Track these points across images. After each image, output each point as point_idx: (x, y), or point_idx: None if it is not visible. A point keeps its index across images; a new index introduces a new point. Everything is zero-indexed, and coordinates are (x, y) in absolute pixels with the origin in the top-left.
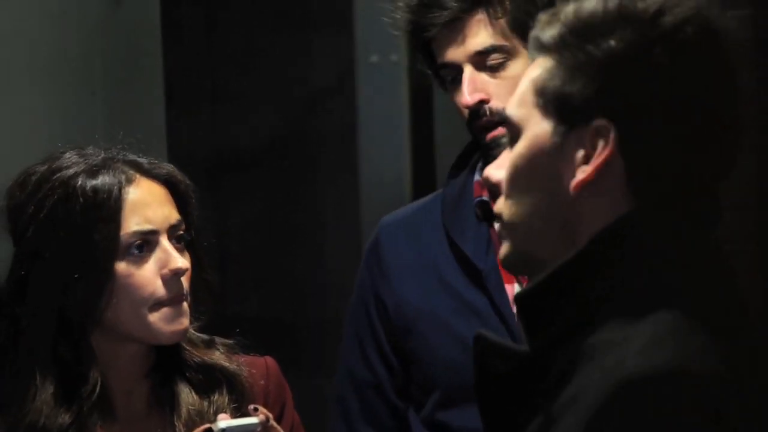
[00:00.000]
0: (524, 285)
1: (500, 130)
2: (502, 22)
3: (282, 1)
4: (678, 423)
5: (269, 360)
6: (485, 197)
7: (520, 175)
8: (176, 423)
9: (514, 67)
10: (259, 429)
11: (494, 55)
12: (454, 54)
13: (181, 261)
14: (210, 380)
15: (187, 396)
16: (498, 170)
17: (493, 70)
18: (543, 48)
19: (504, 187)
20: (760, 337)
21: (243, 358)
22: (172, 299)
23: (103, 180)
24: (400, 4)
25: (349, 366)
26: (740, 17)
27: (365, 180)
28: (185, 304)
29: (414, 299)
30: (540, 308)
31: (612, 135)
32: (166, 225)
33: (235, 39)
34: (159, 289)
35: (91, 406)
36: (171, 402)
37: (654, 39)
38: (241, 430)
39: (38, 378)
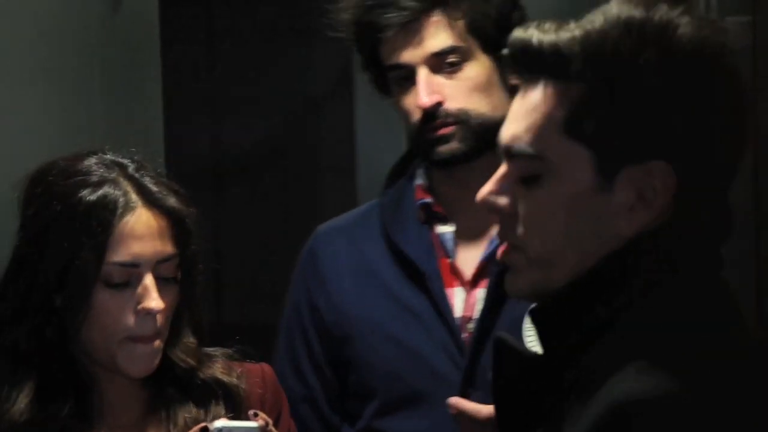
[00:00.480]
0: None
1: (453, 127)
2: (460, 23)
3: (281, 7)
4: None
5: (266, 367)
6: (427, 200)
7: (561, 215)
8: (172, 430)
9: (469, 69)
10: None
11: (451, 58)
12: (410, 55)
13: (155, 302)
14: (207, 393)
15: (184, 404)
16: (500, 197)
17: (449, 72)
18: (567, 69)
19: (535, 224)
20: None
21: (239, 366)
22: (142, 338)
23: (102, 200)
24: (351, 3)
25: (281, 378)
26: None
27: (363, 186)
28: (156, 343)
29: (352, 304)
30: (554, 320)
31: (670, 173)
32: (152, 261)
33: (234, 44)
34: (129, 323)
35: (75, 412)
36: (167, 409)
37: (682, 58)
38: None
39: (20, 380)
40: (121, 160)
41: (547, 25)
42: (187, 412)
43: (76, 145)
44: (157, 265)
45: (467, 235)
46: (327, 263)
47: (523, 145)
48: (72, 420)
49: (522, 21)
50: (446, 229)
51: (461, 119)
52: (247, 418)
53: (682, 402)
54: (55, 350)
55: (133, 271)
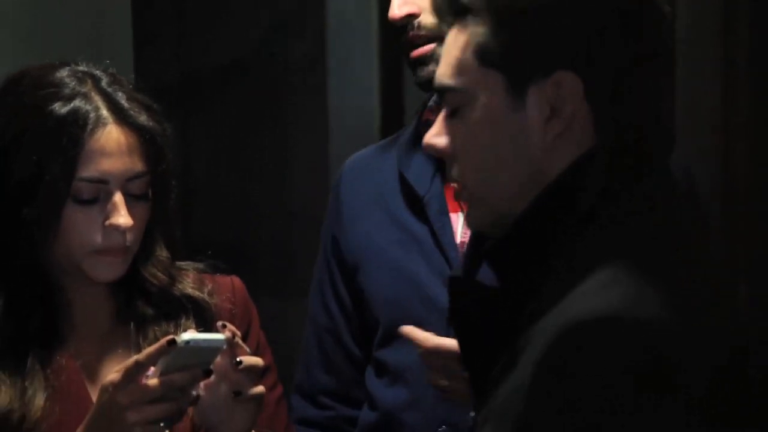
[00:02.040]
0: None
1: (427, 48)
2: None
3: None
4: (617, 365)
5: (235, 280)
6: (430, 120)
7: (481, 143)
8: (141, 342)
9: None
10: (224, 346)
11: None
12: None
13: (123, 218)
14: (178, 308)
15: (152, 317)
16: (439, 137)
17: None
18: (470, 11)
19: (463, 157)
20: (717, 289)
21: (209, 278)
22: (109, 250)
23: (73, 114)
24: None
25: (311, 310)
26: None
27: (333, 106)
28: (123, 256)
29: (362, 234)
30: (508, 255)
31: (580, 86)
32: (122, 178)
33: None
34: (97, 238)
35: (44, 323)
36: (136, 321)
37: None
38: (207, 344)
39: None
40: (94, 71)
41: None
42: (156, 326)
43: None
44: (126, 183)
45: None
46: (346, 196)
47: (446, 80)
48: (41, 331)
49: None
50: None
51: (436, 35)
52: (216, 330)
53: (634, 318)
54: (23, 261)
55: (102, 188)
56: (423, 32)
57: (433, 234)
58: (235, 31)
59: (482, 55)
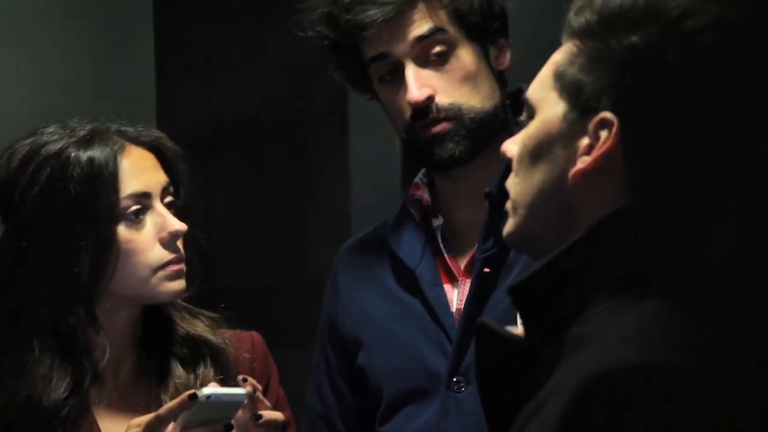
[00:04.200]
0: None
1: (445, 125)
2: (443, 12)
3: None
4: (639, 418)
5: (255, 335)
6: (417, 196)
7: (528, 153)
8: (162, 395)
9: (456, 58)
10: (245, 400)
11: (437, 47)
12: (395, 46)
13: (178, 223)
14: (195, 353)
15: (174, 368)
16: (513, 145)
17: (436, 63)
18: (570, 33)
19: (514, 163)
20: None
21: (229, 332)
22: (172, 261)
23: (97, 150)
24: (325, 1)
25: (308, 397)
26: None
27: (356, 152)
28: (183, 265)
29: (360, 313)
30: (534, 298)
31: (615, 128)
32: (158, 189)
33: (229, 7)
34: (159, 252)
35: (92, 376)
36: (157, 374)
37: (674, 41)
38: (228, 399)
39: (37, 350)
40: (83, 121)
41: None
42: (177, 378)
43: (62, 108)
44: (162, 194)
45: (463, 229)
46: (343, 278)
47: (529, 88)
48: (87, 386)
49: (503, 8)
50: (440, 222)
51: (454, 115)
52: (236, 384)
53: (663, 371)
54: (78, 313)
55: (146, 202)
56: (442, 114)
57: (428, 306)
58: (258, 80)
59: (558, 75)
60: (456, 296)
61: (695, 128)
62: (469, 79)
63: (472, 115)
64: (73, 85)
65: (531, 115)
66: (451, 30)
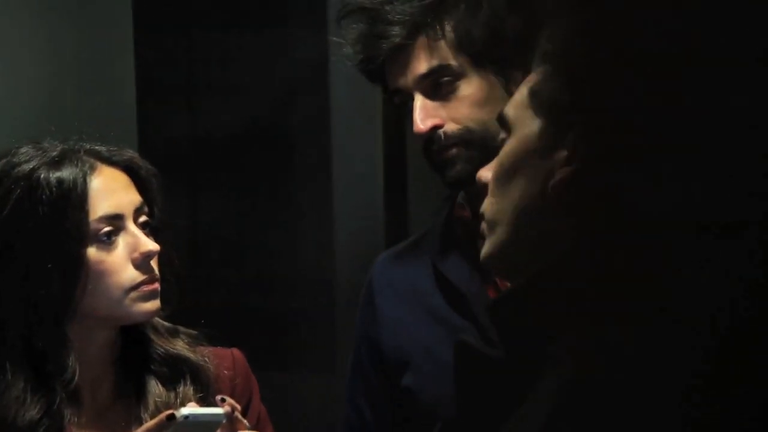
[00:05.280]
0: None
1: (453, 151)
2: (446, 43)
3: None
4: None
5: (236, 352)
6: (464, 216)
7: (505, 171)
8: (143, 414)
9: (464, 88)
10: (224, 420)
11: (443, 79)
12: (403, 81)
13: (151, 244)
14: (175, 372)
15: (153, 387)
16: (488, 171)
17: (444, 95)
18: (542, 55)
19: (490, 185)
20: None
21: (208, 350)
22: (145, 281)
23: (66, 171)
24: (348, 37)
25: (344, 415)
26: None
27: (338, 173)
28: (158, 285)
29: (405, 331)
30: (513, 315)
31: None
32: (131, 209)
33: (210, 31)
34: (131, 273)
35: (63, 397)
36: (137, 393)
37: None
38: (206, 419)
39: (9, 373)
40: (54, 142)
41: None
42: (157, 396)
43: (42, 127)
44: (135, 214)
45: None
46: (380, 293)
47: (503, 111)
48: (58, 406)
49: (526, 27)
50: None
51: (463, 138)
52: (215, 403)
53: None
54: (48, 335)
55: (118, 224)
56: (450, 141)
57: (481, 330)
58: (240, 100)
59: (533, 93)
60: None
61: None
62: (479, 106)
63: (483, 134)
64: (53, 106)
65: (508, 134)
66: (457, 62)
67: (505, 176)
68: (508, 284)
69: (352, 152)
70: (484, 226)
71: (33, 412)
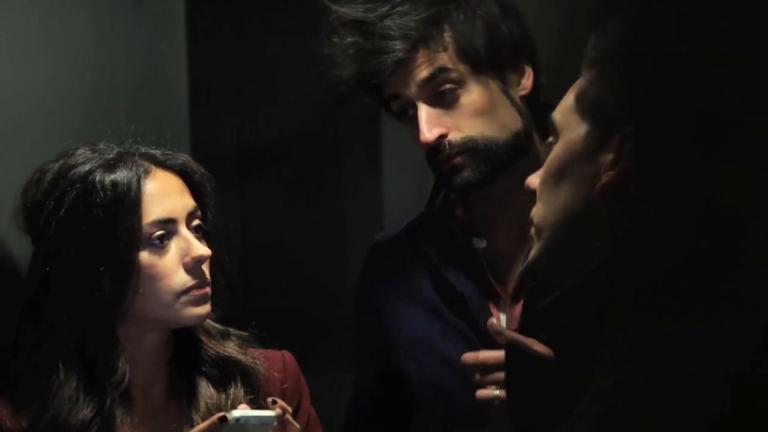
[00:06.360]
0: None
1: (459, 159)
2: (446, 53)
3: (307, 2)
4: None
5: (286, 354)
6: (460, 216)
7: (552, 176)
8: (194, 416)
9: (466, 95)
10: (275, 422)
11: (445, 87)
12: (403, 88)
13: (203, 248)
14: (226, 374)
15: (204, 389)
16: (536, 177)
17: (447, 102)
18: (589, 61)
19: (537, 190)
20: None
21: (259, 352)
22: (196, 286)
23: (121, 174)
24: (343, 54)
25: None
26: None
27: (388, 177)
28: (208, 289)
29: (401, 323)
30: (563, 319)
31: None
32: (184, 214)
33: (260, 37)
34: (182, 277)
35: (115, 398)
36: (188, 395)
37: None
38: (257, 421)
39: (62, 372)
40: (110, 145)
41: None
42: (208, 398)
43: (94, 132)
44: (188, 218)
45: (505, 253)
46: (373, 281)
47: (551, 115)
48: (110, 407)
49: (518, 31)
50: (484, 245)
51: (468, 147)
52: (266, 405)
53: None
54: (100, 336)
55: (170, 228)
56: (455, 149)
57: (476, 329)
58: (292, 106)
59: (579, 97)
60: (504, 321)
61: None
62: (482, 113)
63: (487, 143)
64: (109, 109)
65: (556, 138)
66: (458, 68)
67: (552, 181)
68: (505, 287)
69: (402, 156)
70: (533, 231)
71: (85, 412)
